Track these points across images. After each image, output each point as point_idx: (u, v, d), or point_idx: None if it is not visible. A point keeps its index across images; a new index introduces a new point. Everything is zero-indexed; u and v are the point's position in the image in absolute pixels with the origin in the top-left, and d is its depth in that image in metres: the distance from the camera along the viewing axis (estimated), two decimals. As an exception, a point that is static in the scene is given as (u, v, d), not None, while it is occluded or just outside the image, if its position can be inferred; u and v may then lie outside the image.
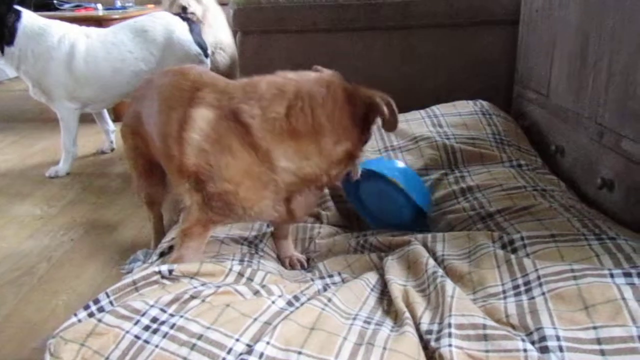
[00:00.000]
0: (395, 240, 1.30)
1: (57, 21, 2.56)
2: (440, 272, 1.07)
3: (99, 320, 0.96)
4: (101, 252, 1.86)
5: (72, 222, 2.09)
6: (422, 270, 1.11)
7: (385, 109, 1.15)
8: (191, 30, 2.61)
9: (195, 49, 2.60)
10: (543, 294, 0.94)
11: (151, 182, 1.60)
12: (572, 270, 0.96)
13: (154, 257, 1.39)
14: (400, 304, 1.00)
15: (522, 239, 1.13)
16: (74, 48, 2.49)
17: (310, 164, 1.15)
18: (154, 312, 0.98)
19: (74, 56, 2.48)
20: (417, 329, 0.95)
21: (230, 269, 1.16)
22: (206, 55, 2.66)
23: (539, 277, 0.98)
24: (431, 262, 1.13)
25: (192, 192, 1.21)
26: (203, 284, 1.09)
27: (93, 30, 2.60)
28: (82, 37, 2.53)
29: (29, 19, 2.49)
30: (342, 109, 1.16)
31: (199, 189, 1.19)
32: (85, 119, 3.37)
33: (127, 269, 1.70)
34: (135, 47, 2.54)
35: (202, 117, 1.18)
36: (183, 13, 3.06)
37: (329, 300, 1.01)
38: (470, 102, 2.00)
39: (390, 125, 1.19)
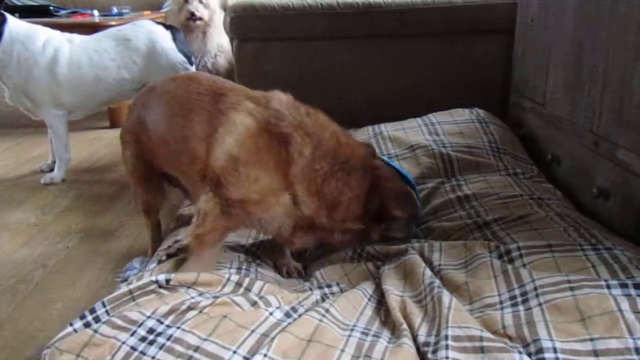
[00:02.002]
0: (392, 250, 1.30)
1: (41, 26, 2.57)
2: (437, 282, 1.07)
3: (95, 331, 0.95)
4: (96, 260, 1.85)
5: (67, 230, 2.09)
6: (418, 281, 1.11)
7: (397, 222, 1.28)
8: (174, 39, 2.62)
9: (179, 57, 2.61)
10: (540, 304, 0.94)
11: (150, 190, 1.59)
12: (569, 282, 0.96)
13: (153, 265, 1.38)
14: (397, 315, 1.00)
15: (518, 249, 1.13)
16: (58, 53, 2.49)
17: (323, 223, 1.22)
18: (151, 323, 0.97)
19: (58, 61, 2.49)
20: (415, 341, 0.95)
21: (228, 279, 1.15)
22: (191, 63, 2.67)
23: (535, 288, 0.98)
24: (428, 272, 1.12)
25: (212, 199, 1.21)
26: (200, 294, 1.09)
27: (76, 37, 2.60)
28: (65, 43, 2.54)
29: (14, 23, 2.49)
30: (360, 199, 1.22)
31: (219, 195, 1.20)
32: (79, 126, 3.38)
33: (123, 277, 1.69)
34: (117, 55, 2.55)
35: (243, 123, 1.20)
36: (192, 19, 3.10)
37: (327, 311, 1.01)
38: (467, 110, 2.01)
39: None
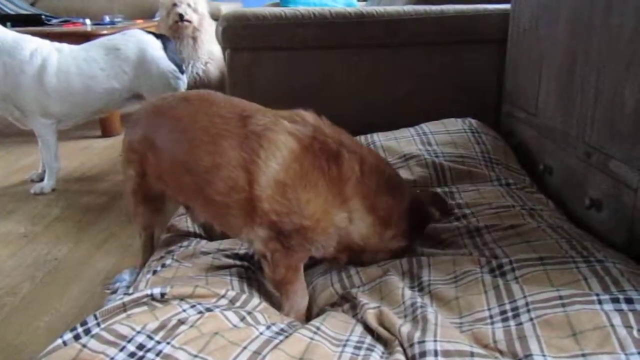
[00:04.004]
0: (368, 272, 1.25)
1: (29, 35, 2.55)
2: (419, 302, 1.05)
3: (84, 346, 0.94)
4: (85, 272, 1.83)
5: (56, 240, 2.06)
6: (398, 302, 1.09)
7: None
8: (165, 48, 2.61)
9: (170, 66, 2.60)
10: (531, 319, 0.93)
11: (152, 211, 1.55)
12: (561, 297, 0.95)
13: (148, 275, 1.36)
14: (383, 332, 0.99)
15: (510, 262, 1.12)
16: (46, 62, 2.47)
17: (375, 242, 1.20)
18: (141, 338, 0.95)
19: (46, 70, 2.47)
20: (405, 353, 0.94)
21: (223, 295, 1.14)
22: (182, 72, 2.66)
23: (527, 304, 0.97)
24: (408, 292, 1.10)
25: (270, 236, 1.15)
26: (192, 306, 1.07)
27: (65, 46, 2.59)
28: (54, 52, 2.52)
29: (1, 32, 2.47)
30: (407, 213, 1.22)
31: (274, 228, 1.14)
32: (71, 135, 3.36)
33: (112, 288, 1.68)
34: (107, 64, 2.53)
35: (286, 145, 1.13)
36: (180, 21, 3.09)
37: (318, 328, 0.99)
38: (459, 121, 2.00)
39: None
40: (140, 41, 2.57)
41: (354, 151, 1.17)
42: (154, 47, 2.57)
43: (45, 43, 2.54)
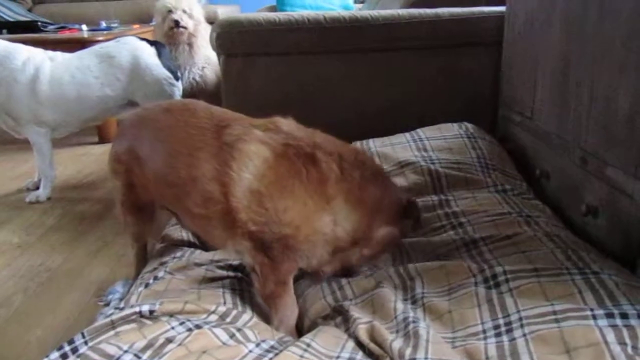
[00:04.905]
0: (360, 284, 1.24)
1: (20, 44, 2.53)
2: (412, 316, 1.03)
3: (70, 366, 0.92)
4: (79, 283, 1.81)
5: (50, 250, 2.05)
6: (390, 316, 1.07)
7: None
8: (159, 55, 2.59)
9: (164, 72, 2.58)
10: (524, 335, 0.91)
11: (141, 220, 1.53)
12: (554, 312, 0.93)
13: (140, 288, 1.35)
14: (375, 348, 0.97)
15: (504, 273, 1.10)
16: (39, 71, 2.45)
17: (357, 234, 1.16)
18: (128, 357, 0.94)
19: (39, 79, 2.45)
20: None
21: (213, 311, 1.12)
22: (176, 79, 2.64)
23: (520, 319, 0.95)
24: (400, 306, 1.09)
25: (254, 252, 1.14)
26: (181, 323, 1.06)
27: (58, 54, 2.57)
28: (47, 61, 2.50)
29: None
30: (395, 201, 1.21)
31: (258, 245, 1.13)
32: (68, 142, 3.35)
33: (105, 300, 1.66)
34: (100, 72, 2.51)
35: (258, 154, 1.12)
36: (176, 28, 3.08)
37: (308, 345, 0.98)
38: (455, 125, 1.98)
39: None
40: (134, 48, 2.55)
41: (331, 151, 1.15)
42: (148, 54, 2.55)
43: (38, 52, 2.52)
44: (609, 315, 0.90)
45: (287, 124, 1.20)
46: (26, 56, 2.46)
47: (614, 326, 0.88)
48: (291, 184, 1.10)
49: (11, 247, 2.10)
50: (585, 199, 1.42)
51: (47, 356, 0.99)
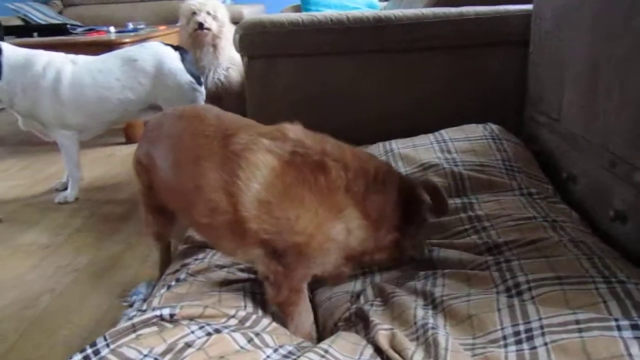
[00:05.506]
0: (380, 287, 1.23)
1: (40, 50, 2.57)
2: (431, 323, 1.02)
3: (91, 369, 0.94)
4: (104, 284, 1.84)
5: (76, 251, 2.08)
6: (409, 322, 1.06)
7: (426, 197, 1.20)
8: (183, 60, 2.60)
9: (187, 78, 2.59)
10: (545, 344, 0.89)
11: (161, 220, 1.56)
12: (577, 322, 0.90)
13: (163, 290, 1.36)
14: (394, 355, 0.96)
15: (527, 282, 1.08)
16: (60, 74, 2.49)
17: (367, 244, 1.16)
18: (148, 362, 0.95)
19: (60, 82, 2.49)
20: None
21: (233, 315, 1.12)
22: (199, 84, 2.64)
23: (542, 327, 0.92)
24: (420, 312, 1.07)
25: (267, 259, 1.13)
26: (201, 327, 1.06)
27: (80, 58, 2.60)
28: (68, 64, 2.53)
29: (10, 51, 2.49)
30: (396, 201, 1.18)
31: (271, 253, 1.12)
32: (95, 143, 3.41)
33: (129, 301, 1.68)
34: (122, 75, 2.54)
35: (265, 164, 1.11)
36: (200, 30, 3.10)
37: (326, 351, 0.97)
38: (480, 126, 1.95)
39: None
40: (157, 53, 2.57)
41: (338, 159, 1.13)
42: (172, 59, 2.57)
43: (59, 56, 2.56)
44: (635, 327, 0.87)
45: (295, 131, 1.18)
46: (46, 61, 2.50)
47: (638, 338, 0.85)
48: (301, 193, 1.09)
49: (40, 247, 2.14)
50: (613, 204, 1.38)
51: (70, 358, 1.01)
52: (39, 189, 2.80)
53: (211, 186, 1.15)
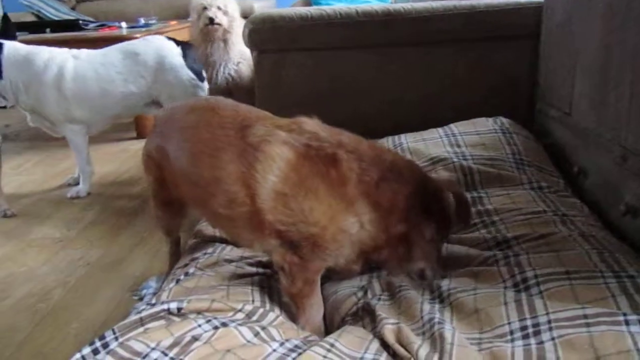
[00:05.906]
0: (388, 281, 1.24)
1: (42, 47, 2.58)
2: (437, 317, 1.02)
3: (99, 362, 0.95)
4: (115, 277, 1.86)
5: (89, 245, 2.11)
6: (416, 317, 1.06)
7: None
8: (185, 55, 2.59)
9: (188, 74, 2.58)
10: (553, 339, 0.89)
11: (171, 214, 1.56)
12: (585, 317, 0.90)
13: (171, 284, 1.37)
14: (400, 349, 0.96)
15: (535, 276, 1.07)
16: (62, 69, 2.50)
17: (379, 237, 1.13)
18: (155, 355, 0.96)
19: (63, 77, 2.50)
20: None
21: (240, 309, 1.13)
22: (201, 80, 2.63)
23: (549, 322, 0.92)
24: (426, 307, 1.07)
25: (283, 250, 1.14)
26: (208, 321, 1.07)
27: (83, 52, 2.61)
28: (70, 59, 2.55)
29: (11, 49, 2.51)
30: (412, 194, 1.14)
31: (287, 244, 1.13)
32: (106, 138, 3.44)
33: (139, 295, 1.70)
34: (124, 68, 2.54)
35: (281, 156, 1.12)
36: (211, 25, 3.10)
37: (332, 345, 0.98)
38: (490, 120, 1.94)
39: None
40: (159, 48, 2.57)
41: (353, 150, 1.13)
42: (173, 54, 2.56)
43: (61, 51, 2.57)
44: (643, 322, 0.87)
45: (311, 124, 1.19)
46: (47, 57, 2.52)
47: (647, 333, 0.85)
48: (315, 185, 1.10)
49: (53, 241, 2.16)
50: (624, 198, 1.36)
51: (79, 351, 1.02)
52: (52, 184, 2.83)
53: (229, 178, 1.17)
